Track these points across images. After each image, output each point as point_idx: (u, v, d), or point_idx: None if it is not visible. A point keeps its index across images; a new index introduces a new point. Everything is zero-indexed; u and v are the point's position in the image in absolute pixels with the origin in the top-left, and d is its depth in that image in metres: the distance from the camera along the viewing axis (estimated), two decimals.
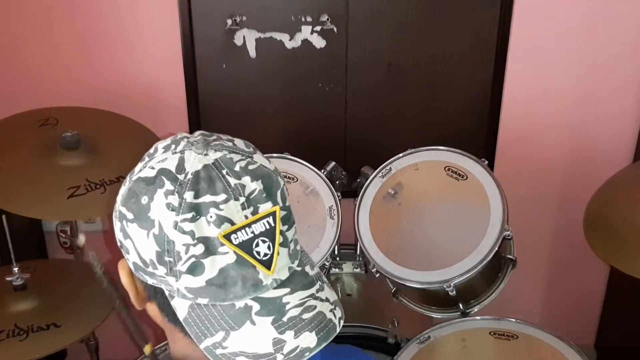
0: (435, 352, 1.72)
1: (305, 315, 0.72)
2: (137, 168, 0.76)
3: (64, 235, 2.15)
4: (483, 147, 2.28)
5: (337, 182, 2.02)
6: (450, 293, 1.71)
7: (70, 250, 2.19)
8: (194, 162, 0.73)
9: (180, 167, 0.73)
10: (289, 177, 1.90)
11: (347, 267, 2.09)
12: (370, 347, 1.90)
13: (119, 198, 0.76)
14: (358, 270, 2.09)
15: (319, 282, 0.77)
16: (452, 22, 2.14)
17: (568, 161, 2.34)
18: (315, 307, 0.74)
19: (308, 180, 1.90)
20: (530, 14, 2.12)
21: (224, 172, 0.72)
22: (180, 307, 0.74)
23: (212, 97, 2.22)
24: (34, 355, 1.69)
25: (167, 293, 0.75)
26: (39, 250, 2.35)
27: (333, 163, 2.01)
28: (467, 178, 1.83)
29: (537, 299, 2.59)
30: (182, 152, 0.74)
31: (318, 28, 2.11)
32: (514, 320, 1.76)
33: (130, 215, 0.73)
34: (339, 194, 1.91)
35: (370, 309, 2.07)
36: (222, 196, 0.71)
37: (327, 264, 1.84)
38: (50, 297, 1.83)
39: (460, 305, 1.83)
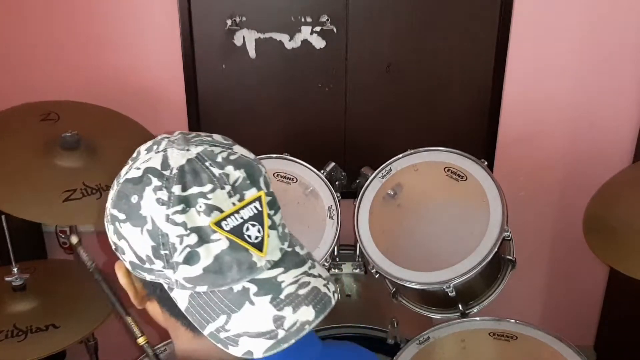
0: (434, 353, 1.72)
1: (301, 291, 0.75)
2: (122, 172, 0.79)
3: (63, 236, 2.15)
4: (483, 147, 2.28)
5: (336, 183, 2.02)
6: (449, 294, 1.71)
7: (70, 251, 2.19)
8: (177, 157, 0.76)
9: (165, 163, 0.75)
10: (288, 177, 1.90)
11: (347, 267, 2.08)
12: (370, 347, 1.88)
13: (109, 202, 0.78)
14: (357, 270, 2.08)
15: (310, 261, 0.80)
16: (451, 22, 2.14)
17: (568, 162, 2.34)
18: (309, 282, 0.76)
19: (308, 181, 1.90)
20: (530, 15, 2.12)
21: (207, 163, 0.75)
22: (181, 298, 0.76)
23: (211, 97, 2.22)
24: (33, 356, 1.69)
25: (166, 287, 0.77)
26: (38, 251, 2.35)
27: (333, 164, 2.01)
28: (466, 179, 1.83)
29: (536, 299, 2.59)
30: (164, 150, 0.77)
31: (318, 28, 2.11)
32: (513, 321, 1.76)
33: (122, 216, 0.76)
34: (338, 194, 1.91)
35: (370, 309, 2.07)
36: (209, 186, 0.74)
37: (326, 264, 1.84)
38: (50, 297, 1.83)
39: (460, 306, 1.83)
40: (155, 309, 0.83)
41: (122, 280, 0.83)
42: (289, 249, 0.80)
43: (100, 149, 1.81)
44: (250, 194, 0.76)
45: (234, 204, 0.74)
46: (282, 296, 0.74)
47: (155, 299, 0.82)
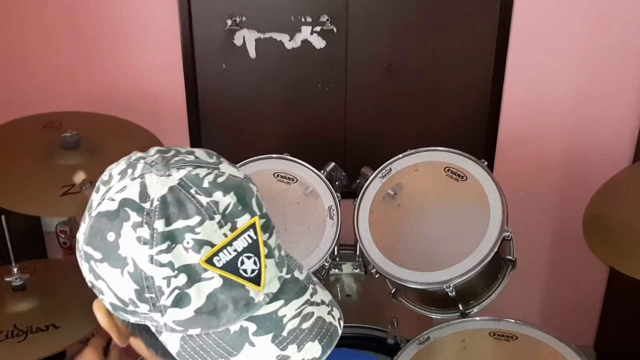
0: (434, 353, 1.72)
1: (305, 325, 0.69)
2: (94, 201, 0.71)
3: (63, 236, 2.15)
4: (483, 148, 2.28)
5: (336, 183, 2.01)
6: (449, 294, 1.71)
7: (70, 251, 2.19)
8: (157, 185, 0.67)
9: (144, 194, 0.67)
10: (288, 177, 1.90)
11: (347, 267, 2.09)
12: (370, 347, 1.90)
13: (81, 237, 0.70)
14: (357, 270, 2.08)
15: (311, 286, 0.74)
16: (452, 22, 2.14)
17: (568, 162, 2.34)
18: (312, 313, 0.70)
19: (308, 181, 1.90)
20: (530, 15, 2.12)
21: (192, 191, 0.67)
22: (171, 342, 0.70)
23: (212, 97, 2.22)
24: (33, 356, 1.69)
25: (153, 329, 0.71)
26: (38, 251, 2.35)
27: (333, 164, 2.01)
28: (466, 179, 1.83)
29: (536, 299, 2.59)
30: (141, 176, 0.69)
31: (318, 28, 2.11)
32: (513, 320, 1.76)
33: (98, 255, 0.68)
34: (338, 194, 1.91)
35: (370, 309, 2.07)
36: (196, 218, 0.66)
37: (326, 264, 1.83)
38: (50, 297, 1.83)
39: (460, 305, 1.83)
40: (141, 346, 0.76)
41: (103, 321, 0.74)
42: (288, 276, 0.72)
43: (101, 148, 1.82)
44: (243, 221, 0.68)
45: (225, 235, 0.67)
46: (284, 333, 0.68)
47: (140, 339, 0.75)
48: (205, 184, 0.68)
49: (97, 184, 0.73)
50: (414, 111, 2.26)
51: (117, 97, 2.15)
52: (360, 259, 2.08)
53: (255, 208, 0.70)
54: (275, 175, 1.89)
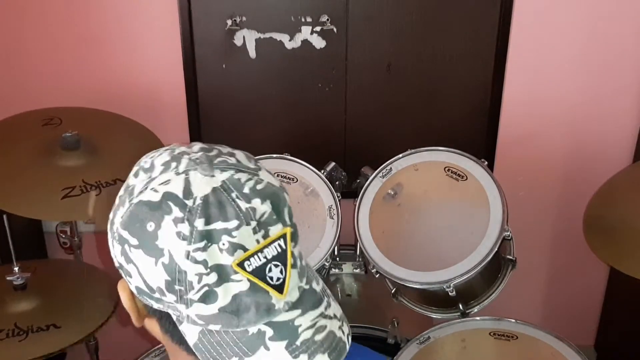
0: (435, 353, 1.72)
1: (317, 337, 0.72)
2: (135, 187, 0.73)
3: (63, 236, 2.15)
4: (483, 147, 2.28)
5: (337, 183, 2.02)
6: (450, 293, 1.71)
7: (70, 251, 2.19)
8: (201, 185, 0.70)
9: (187, 191, 0.70)
10: (289, 177, 1.90)
11: (347, 267, 2.09)
12: (370, 347, 1.89)
13: (119, 220, 0.72)
14: (358, 270, 2.08)
15: (325, 299, 0.76)
16: (452, 22, 2.14)
17: (568, 162, 2.34)
18: (325, 327, 0.73)
19: (308, 181, 1.90)
20: (530, 15, 2.12)
21: (233, 195, 0.70)
22: (190, 333, 0.72)
23: (212, 97, 2.22)
24: (33, 355, 1.69)
25: (174, 318, 0.73)
26: (39, 250, 2.35)
27: (333, 163, 2.01)
28: (466, 179, 1.83)
29: (537, 299, 2.59)
30: (186, 172, 0.71)
31: (318, 28, 2.11)
32: (513, 320, 1.76)
33: (134, 241, 0.70)
34: (338, 194, 1.91)
35: (370, 309, 2.07)
36: (234, 222, 0.69)
37: (327, 264, 1.84)
38: (50, 297, 1.83)
39: (460, 305, 1.83)
40: (156, 328, 0.78)
41: (126, 302, 0.77)
42: (307, 287, 0.75)
43: (101, 148, 1.81)
44: (276, 230, 0.71)
45: (257, 242, 0.70)
46: (298, 342, 0.71)
47: (156, 321, 0.78)
48: (246, 190, 0.71)
49: (135, 168, 0.75)
50: (414, 111, 2.26)
51: (117, 97, 2.15)
52: (360, 259, 2.08)
53: (287, 218, 0.73)
54: (276, 175, 1.89)
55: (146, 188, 0.71)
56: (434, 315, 1.89)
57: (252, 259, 0.69)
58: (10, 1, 2.08)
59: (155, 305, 0.73)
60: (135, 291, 0.74)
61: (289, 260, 0.72)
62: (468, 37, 2.16)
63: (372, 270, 1.81)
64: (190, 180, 0.70)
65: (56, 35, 2.13)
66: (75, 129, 1.79)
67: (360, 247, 1.86)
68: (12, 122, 1.91)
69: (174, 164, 0.73)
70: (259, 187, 0.72)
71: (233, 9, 2.09)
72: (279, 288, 0.71)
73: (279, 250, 0.71)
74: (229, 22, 2.10)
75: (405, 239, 1.82)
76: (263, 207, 0.71)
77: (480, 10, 2.13)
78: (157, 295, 0.71)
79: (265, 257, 0.70)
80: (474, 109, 2.27)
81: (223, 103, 2.24)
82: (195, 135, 2.25)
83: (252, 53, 2.15)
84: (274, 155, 1.93)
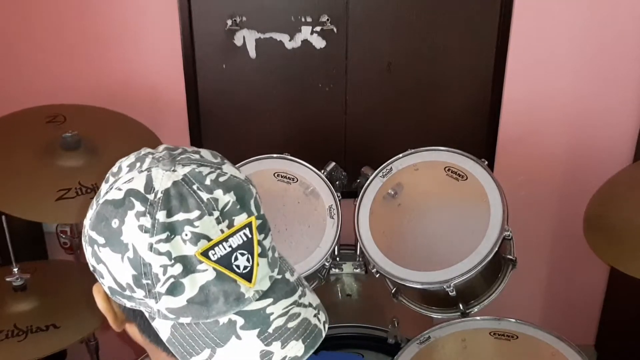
0: (435, 353, 1.72)
1: (291, 324, 0.72)
2: (102, 190, 0.74)
3: (64, 236, 2.15)
4: (483, 147, 2.28)
5: (337, 183, 2.01)
6: (450, 293, 1.71)
7: (70, 251, 2.19)
8: (163, 179, 0.71)
9: (149, 186, 0.71)
10: (289, 177, 1.90)
11: (347, 267, 2.08)
12: (370, 347, 1.90)
13: (87, 222, 0.74)
14: (358, 270, 2.08)
15: (300, 288, 0.76)
16: (452, 21, 2.14)
17: (568, 161, 2.34)
18: (299, 314, 0.73)
19: (308, 181, 1.90)
20: (530, 13, 2.12)
21: (194, 187, 0.71)
22: (163, 328, 0.73)
23: (212, 97, 2.22)
24: (33, 356, 1.69)
25: (147, 315, 0.74)
26: (39, 251, 2.35)
27: (333, 163, 2.01)
28: (467, 178, 1.83)
29: (537, 299, 2.59)
30: (148, 169, 0.72)
31: (318, 28, 2.11)
32: (514, 320, 1.76)
33: (101, 240, 0.71)
34: (339, 194, 1.91)
35: (370, 309, 2.07)
36: (196, 212, 0.69)
37: (327, 264, 1.83)
38: (50, 297, 1.83)
39: (461, 305, 1.83)
40: (135, 331, 0.79)
41: (101, 304, 0.78)
42: (279, 276, 0.76)
43: (102, 149, 1.81)
44: (240, 219, 0.72)
45: (222, 231, 0.70)
46: (270, 330, 0.71)
47: (134, 325, 0.78)
48: (207, 182, 0.72)
49: (107, 175, 0.77)
50: (414, 110, 2.26)
51: (118, 96, 2.15)
52: (360, 259, 2.08)
53: (253, 209, 0.74)
54: (276, 175, 1.89)
55: (111, 188, 0.73)
56: (434, 315, 1.88)
57: (216, 248, 0.70)
58: (13, 0, 2.08)
59: (128, 304, 0.74)
60: (108, 292, 0.75)
61: (256, 249, 0.72)
62: (468, 36, 2.16)
63: (372, 270, 1.81)
64: (152, 176, 0.72)
65: (57, 36, 2.13)
66: (78, 127, 1.78)
67: (360, 247, 1.86)
68: (16, 118, 1.91)
69: (138, 164, 0.74)
70: (221, 179, 0.73)
71: (233, 9, 2.09)
72: (247, 276, 0.71)
73: (245, 239, 0.72)
74: (229, 22, 2.10)
75: (406, 238, 1.82)
76: (226, 198, 0.71)
77: (481, 10, 2.13)
78: (127, 292, 0.72)
79: (230, 246, 0.70)
80: (474, 108, 2.27)
81: (223, 103, 2.24)
82: (195, 135, 2.25)
83: (252, 53, 2.15)
84: (274, 155, 1.93)
